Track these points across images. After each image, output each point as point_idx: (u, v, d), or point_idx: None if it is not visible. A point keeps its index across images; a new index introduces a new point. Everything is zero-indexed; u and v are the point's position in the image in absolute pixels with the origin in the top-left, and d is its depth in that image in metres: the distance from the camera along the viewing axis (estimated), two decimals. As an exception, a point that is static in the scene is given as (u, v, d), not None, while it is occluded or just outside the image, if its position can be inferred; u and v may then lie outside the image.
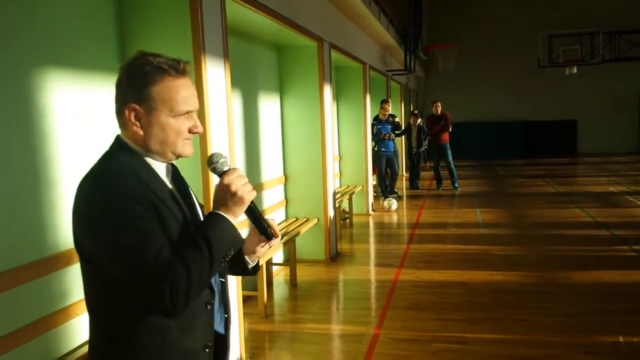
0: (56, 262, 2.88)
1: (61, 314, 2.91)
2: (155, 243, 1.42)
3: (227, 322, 1.75)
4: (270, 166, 6.28)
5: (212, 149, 3.42)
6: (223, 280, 1.73)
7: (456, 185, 12.14)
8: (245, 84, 5.61)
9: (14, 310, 2.64)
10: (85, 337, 3.06)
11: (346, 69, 9.30)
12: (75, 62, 3.06)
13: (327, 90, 6.66)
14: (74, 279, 2.98)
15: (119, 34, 3.40)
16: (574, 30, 18.09)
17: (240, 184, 1.55)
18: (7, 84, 2.63)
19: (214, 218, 1.54)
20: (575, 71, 17.88)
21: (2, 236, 2.59)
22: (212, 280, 1.64)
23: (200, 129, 1.59)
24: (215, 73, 3.50)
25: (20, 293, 2.67)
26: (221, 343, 1.72)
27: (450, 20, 21.08)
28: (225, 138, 3.65)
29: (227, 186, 1.54)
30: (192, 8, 3.26)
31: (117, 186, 1.45)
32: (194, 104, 1.57)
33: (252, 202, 1.60)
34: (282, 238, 5.50)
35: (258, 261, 1.84)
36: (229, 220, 1.54)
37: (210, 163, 1.60)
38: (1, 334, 2.54)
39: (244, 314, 4.74)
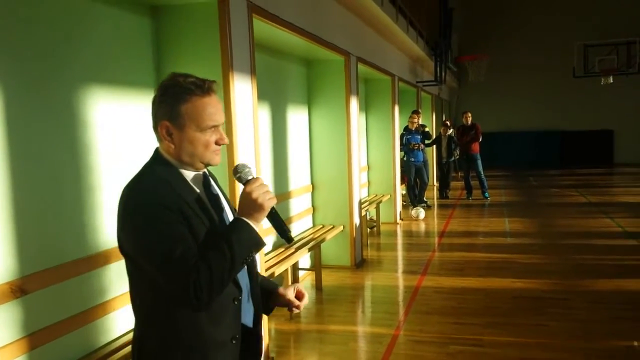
0: (96, 260, 3.18)
1: (100, 308, 3.21)
2: (181, 245, 1.60)
3: (256, 317, 1.90)
4: (298, 175, 6.55)
5: (238, 160, 3.69)
6: (253, 278, 1.91)
7: (486, 195, 12.19)
8: (275, 97, 5.90)
9: (59, 303, 2.94)
10: (122, 330, 3.37)
11: (375, 81, 9.52)
12: (115, 78, 3.38)
13: (354, 103, 6.90)
14: (112, 277, 3.29)
15: (155, 53, 3.71)
16: (610, 40, 17.89)
17: (261, 192, 1.71)
18: (55, 99, 2.95)
19: (236, 223, 1.71)
20: (612, 81, 17.67)
21: (49, 236, 2.91)
22: (240, 277, 1.80)
23: (226, 140, 1.77)
24: (243, 88, 3.78)
25: (65, 287, 2.98)
26: (251, 336, 1.88)
27: (484, 30, 21.08)
28: (251, 149, 3.92)
29: (249, 194, 1.71)
30: (222, 28, 3.54)
31: (151, 194, 1.65)
32: (219, 119, 1.73)
33: (273, 208, 1.76)
34: (309, 244, 5.74)
35: (273, 306, 2.03)
36: (250, 225, 1.70)
37: (236, 172, 1.78)
38: (49, 323, 2.86)
39: (271, 315, 5.01)
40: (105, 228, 3.23)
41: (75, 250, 3.07)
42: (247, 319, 1.86)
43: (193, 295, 1.58)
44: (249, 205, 1.71)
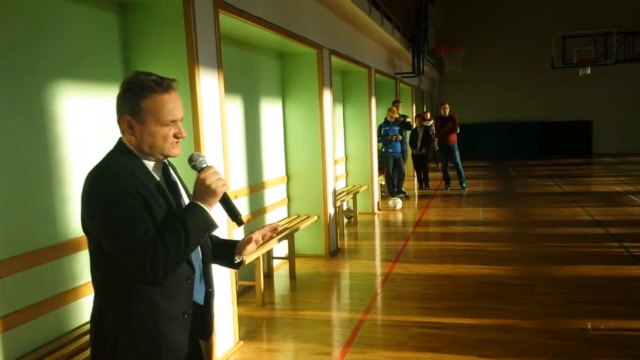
0: (67, 248, 3.32)
1: (71, 294, 3.35)
2: (140, 226, 1.76)
3: (208, 295, 2.08)
4: (273, 166, 6.69)
5: (205, 152, 3.83)
6: (207, 260, 2.08)
7: (464, 185, 12.42)
8: (249, 90, 6.03)
9: (31, 287, 3.09)
10: (92, 315, 3.51)
11: (352, 73, 9.67)
12: (84, 73, 3.51)
13: (327, 95, 7.04)
14: (82, 264, 3.42)
15: (122, 48, 3.83)
16: (588, 31, 18.18)
17: (214, 179, 1.87)
18: (26, 94, 3.08)
19: (191, 207, 1.88)
20: (589, 72, 17.97)
21: (20, 225, 3.04)
22: (194, 259, 1.98)
23: (184, 134, 1.92)
24: (209, 82, 3.91)
25: (37, 273, 3.12)
26: (201, 312, 2.06)
27: (463, 21, 21.28)
28: (219, 141, 4.05)
29: (203, 180, 1.87)
30: (187, 24, 3.66)
31: (114, 180, 1.79)
32: (178, 114, 1.89)
33: (224, 193, 1.92)
34: (282, 233, 5.90)
35: (242, 260, 2.23)
36: (203, 209, 1.87)
37: (191, 161, 1.95)
38: (21, 306, 3.00)
39: (244, 302, 5.20)
40: (75, 217, 3.36)
41: (46, 238, 3.21)
42: (199, 297, 2.05)
43: (150, 271, 1.74)
44: (203, 190, 1.87)
